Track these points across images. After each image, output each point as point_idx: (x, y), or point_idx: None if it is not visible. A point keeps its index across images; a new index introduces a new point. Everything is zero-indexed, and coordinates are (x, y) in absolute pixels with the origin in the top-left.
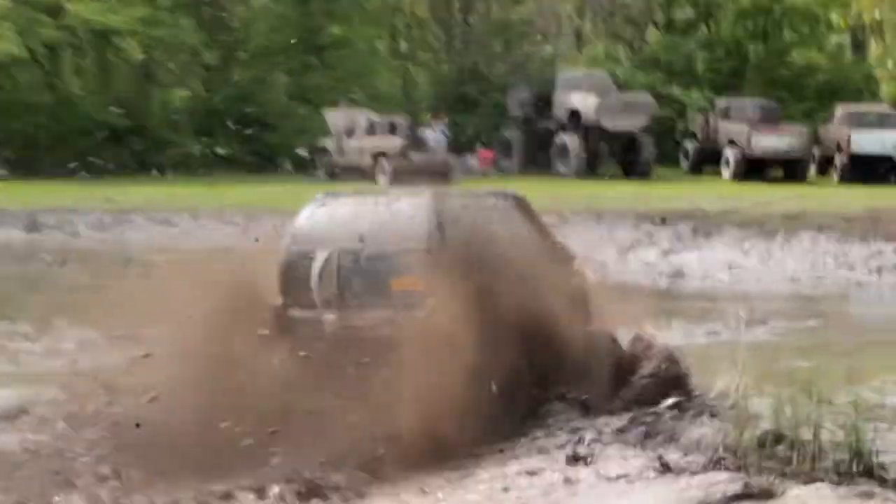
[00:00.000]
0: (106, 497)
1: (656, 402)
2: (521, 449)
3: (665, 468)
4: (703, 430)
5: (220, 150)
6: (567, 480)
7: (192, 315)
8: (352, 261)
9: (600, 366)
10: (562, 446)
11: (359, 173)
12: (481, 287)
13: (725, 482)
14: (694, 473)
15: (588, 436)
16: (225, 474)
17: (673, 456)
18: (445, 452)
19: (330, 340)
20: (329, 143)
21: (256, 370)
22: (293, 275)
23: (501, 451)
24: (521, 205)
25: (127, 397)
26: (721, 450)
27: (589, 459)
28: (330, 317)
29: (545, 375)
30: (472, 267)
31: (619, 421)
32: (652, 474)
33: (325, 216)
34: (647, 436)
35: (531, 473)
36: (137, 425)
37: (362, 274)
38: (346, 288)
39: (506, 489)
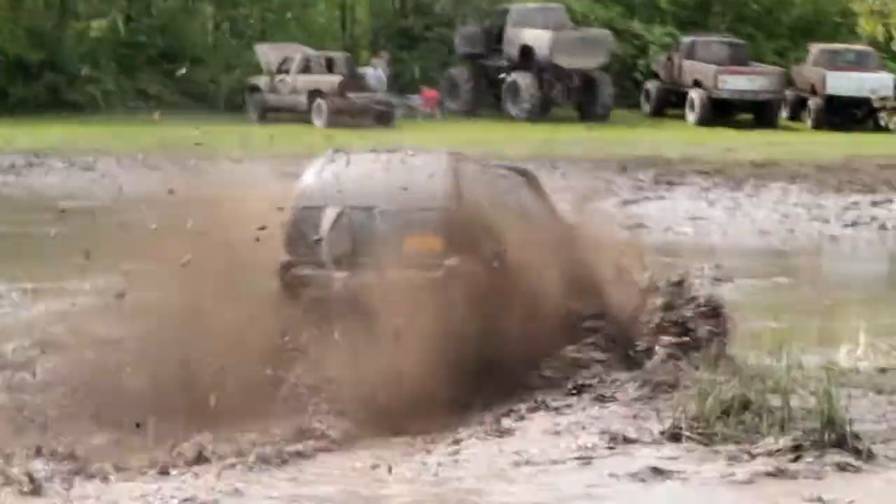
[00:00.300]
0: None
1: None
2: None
3: (615, 441)
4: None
5: (142, 87)
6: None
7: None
8: (364, 218)
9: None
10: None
11: (293, 113)
12: (498, 250)
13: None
14: (646, 444)
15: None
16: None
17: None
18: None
19: (339, 298)
20: (260, 80)
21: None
22: (301, 231)
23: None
24: (531, 180)
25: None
26: (683, 419)
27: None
28: (340, 275)
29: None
30: (489, 230)
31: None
32: (605, 448)
33: (335, 172)
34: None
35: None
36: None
37: (375, 232)
38: (358, 246)
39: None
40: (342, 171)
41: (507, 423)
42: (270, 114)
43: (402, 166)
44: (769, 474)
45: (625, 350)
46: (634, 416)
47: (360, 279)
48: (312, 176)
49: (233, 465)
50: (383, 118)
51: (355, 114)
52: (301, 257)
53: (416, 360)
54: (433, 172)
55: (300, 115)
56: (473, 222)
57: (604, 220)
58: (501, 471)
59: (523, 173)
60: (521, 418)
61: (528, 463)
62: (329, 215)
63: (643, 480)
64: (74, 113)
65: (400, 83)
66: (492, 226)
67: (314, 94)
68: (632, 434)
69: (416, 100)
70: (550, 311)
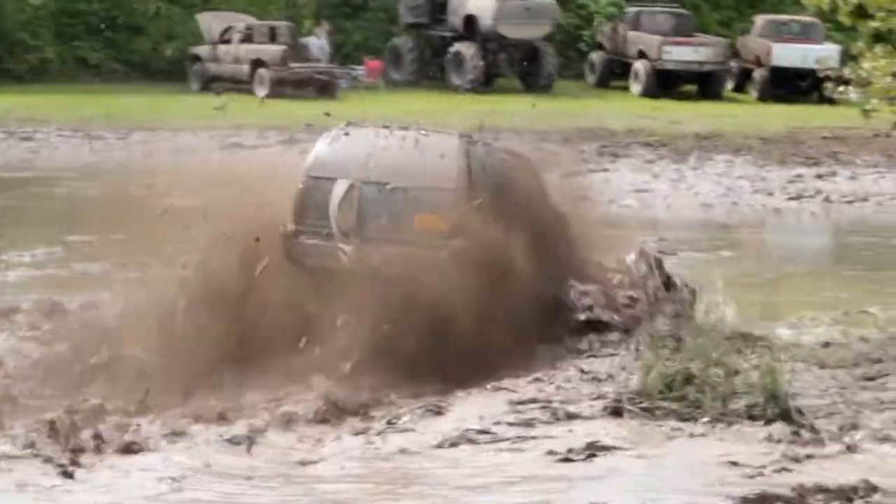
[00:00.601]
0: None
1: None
2: None
3: (556, 416)
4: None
5: (82, 56)
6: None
7: None
8: (374, 193)
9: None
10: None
11: (235, 83)
12: (505, 232)
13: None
14: (588, 419)
15: None
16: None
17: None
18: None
19: (345, 271)
20: (202, 49)
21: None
22: (310, 203)
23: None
24: (529, 165)
25: None
26: (625, 394)
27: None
28: (346, 248)
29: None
30: (497, 212)
31: None
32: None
33: (346, 146)
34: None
35: None
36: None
37: (384, 207)
38: (366, 220)
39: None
40: (355, 144)
41: (452, 399)
42: (212, 83)
43: (415, 145)
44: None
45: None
46: (577, 392)
47: (365, 253)
48: (325, 147)
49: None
50: (326, 88)
51: (298, 84)
52: (308, 227)
53: (406, 337)
54: (444, 153)
55: (242, 85)
56: (481, 205)
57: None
58: (439, 447)
59: (522, 158)
60: (468, 395)
61: (469, 441)
62: (339, 188)
63: (585, 456)
64: (13, 82)
65: (343, 53)
66: (499, 209)
67: (256, 63)
68: (573, 410)
69: (359, 70)
70: (541, 296)
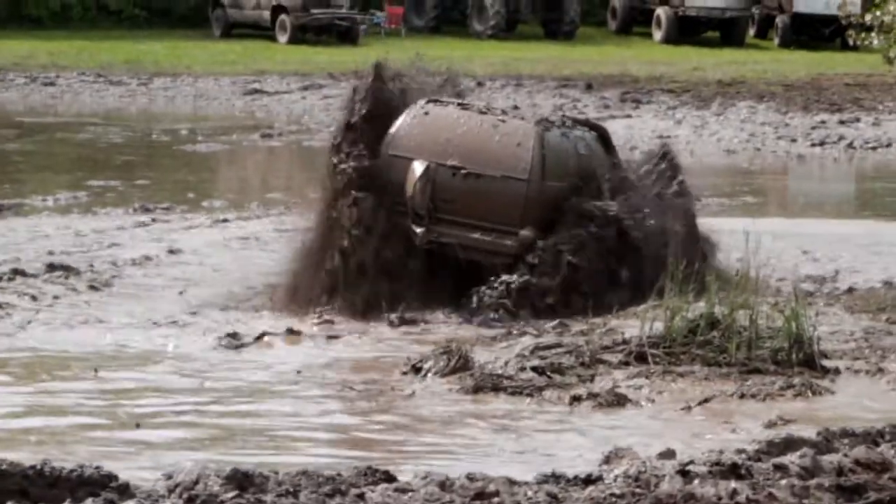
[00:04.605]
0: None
1: None
2: None
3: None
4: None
5: (103, 1)
6: None
7: None
8: (448, 177)
9: None
10: None
11: (257, 30)
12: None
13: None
14: (612, 365)
15: None
16: None
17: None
18: None
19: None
20: None
21: None
22: (388, 180)
23: None
24: (604, 136)
25: None
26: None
27: None
28: (420, 230)
29: None
30: (567, 203)
31: None
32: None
33: (425, 125)
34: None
35: None
36: None
37: (457, 193)
38: (440, 204)
39: None
40: (433, 124)
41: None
42: (234, 29)
43: (493, 130)
44: (733, 394)
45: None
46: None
47: (436, 236)
48: (405, 124)
49: None
50: (347, 35)
51: (319, 30)
52: (386, 205)
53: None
54: (520, 142)
55: (264, 31)
56: (553, 197)
57: None
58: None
59: (598, 129)
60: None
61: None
62: (416, 170)
63: (607, 401)
64: (35, 28)
65: None
66: (569, 196)
67: (278, 9)
68: (598, 355)
69: (380, 16)
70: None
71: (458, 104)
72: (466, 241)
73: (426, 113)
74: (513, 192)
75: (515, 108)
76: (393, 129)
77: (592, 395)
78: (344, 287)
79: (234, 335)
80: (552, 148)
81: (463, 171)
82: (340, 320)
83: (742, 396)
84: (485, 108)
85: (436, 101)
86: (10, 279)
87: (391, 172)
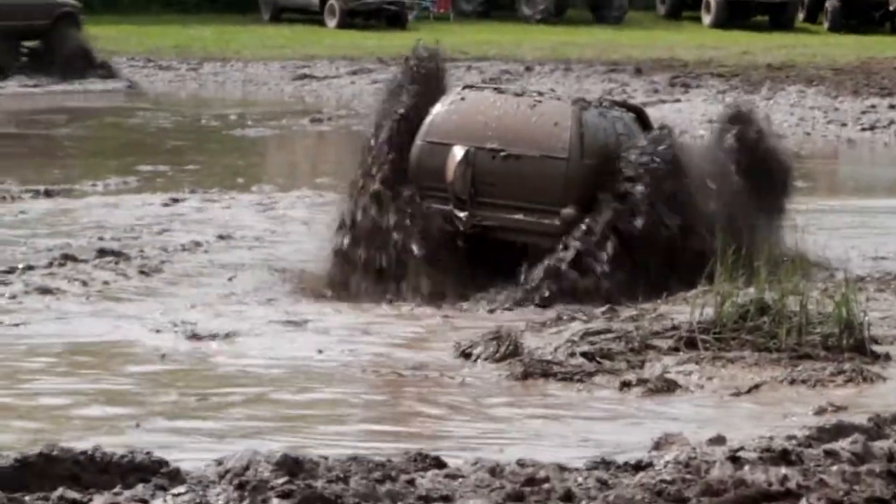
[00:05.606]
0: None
1: None
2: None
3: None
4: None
5: None
6: None
7: None
8: (488, 160)
9: None
10: None
11: (305, 14)
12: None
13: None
14: (661, 351)
15: None
16: None
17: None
18: None
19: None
20: None
21: None
22: (427, 166)
23: None
24: (643, 118)
25: None
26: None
27: None
28: (463, 214)
29: None
30: (607, 181)
31: None
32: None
33: (463, 110)
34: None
35: None
36: None
37: (498, 175)
38: (480, 187)
39: None
40: (470, 109)
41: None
42: (283, 14)
43: (530, 111)
44: (783, 380)
45: None
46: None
47: (479, 220)
48: (442, 111)
49: None
50: (396, 19)
51: (368, 15)
52: (426, 191)
53: None
54: (558, 121)
55: (313, 16)
56: (592, 175)
57: None
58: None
59: (636, 111)
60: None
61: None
62: (456, 155)
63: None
64: (84, 12)
65: None
66: (609, 175)
67: None
68: (648, 341)
69: (428, 1)
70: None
71: (494, 88)
72: (509, 223)
73: (462, 99)
74: (552, 171)
75: (551, 90)
76: (430, 117)
77: (642, 381)
78: (392, 275)
79: (285, 321)
80: (590, 127)
81: (502, 154)
82: (388, 307)
83: (792, 382)
84: (520, 90)
85: (472, 86)
86: (60, 265)
87: (432, 159)
